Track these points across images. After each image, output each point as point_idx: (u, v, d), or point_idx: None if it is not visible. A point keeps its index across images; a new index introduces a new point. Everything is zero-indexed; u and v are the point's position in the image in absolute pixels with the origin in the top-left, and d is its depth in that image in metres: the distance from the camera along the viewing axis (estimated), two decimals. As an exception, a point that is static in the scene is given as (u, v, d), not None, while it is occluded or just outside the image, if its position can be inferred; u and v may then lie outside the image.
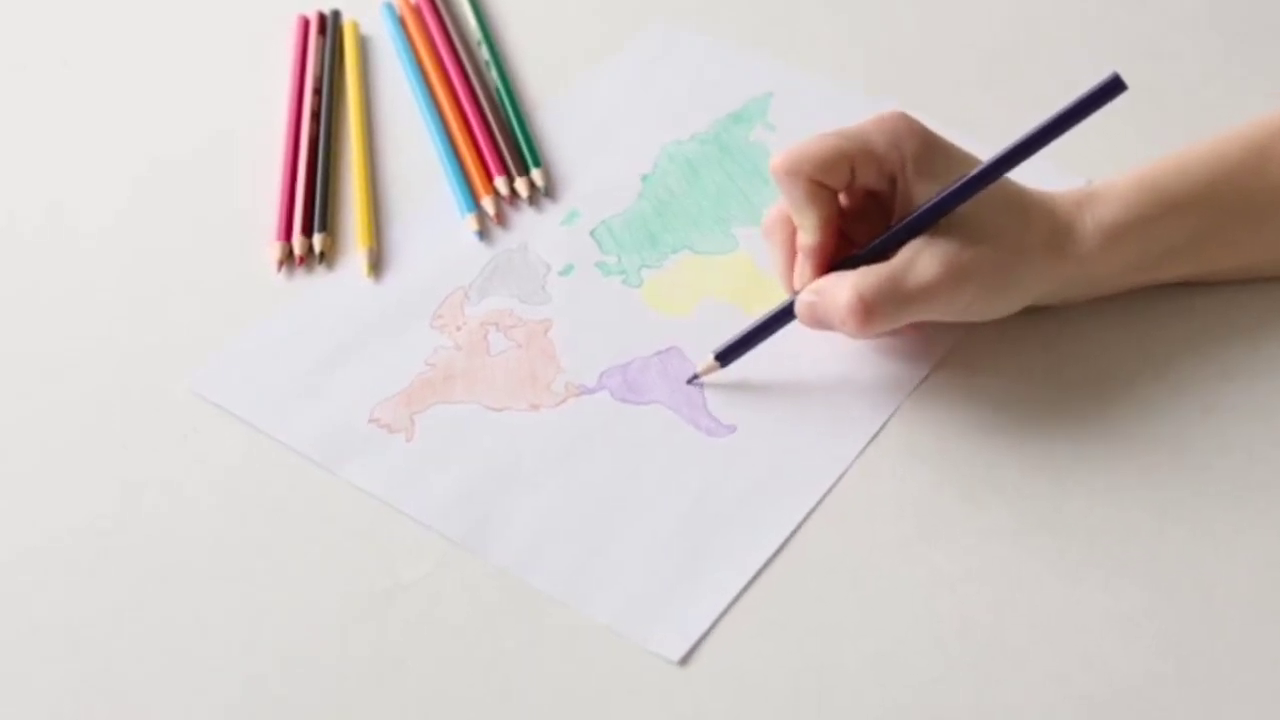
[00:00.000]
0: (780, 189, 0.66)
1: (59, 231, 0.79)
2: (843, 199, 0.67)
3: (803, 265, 0.66)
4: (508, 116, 0.83)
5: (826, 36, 0.87)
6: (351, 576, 0.63)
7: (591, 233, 0.77)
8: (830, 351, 0.69)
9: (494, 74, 0.85)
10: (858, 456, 0.66)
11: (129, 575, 0.63)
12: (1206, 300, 0.70)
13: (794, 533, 0.63)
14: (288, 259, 0.76)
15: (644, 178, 0.79)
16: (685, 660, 0.59)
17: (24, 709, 0.59)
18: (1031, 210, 0.65)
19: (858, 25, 0.88)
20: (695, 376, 0.69)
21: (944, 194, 0.64)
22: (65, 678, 0.60)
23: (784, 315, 0.68)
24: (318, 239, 0.76)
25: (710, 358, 0.68)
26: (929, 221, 0.64)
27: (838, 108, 0.81)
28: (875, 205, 0.67)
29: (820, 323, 0.66)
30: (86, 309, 0.74)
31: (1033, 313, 0.68)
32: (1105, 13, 0.87)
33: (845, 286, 0.64)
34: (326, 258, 0.76)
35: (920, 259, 0.64)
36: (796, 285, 0.67)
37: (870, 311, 0.63)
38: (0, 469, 0.68)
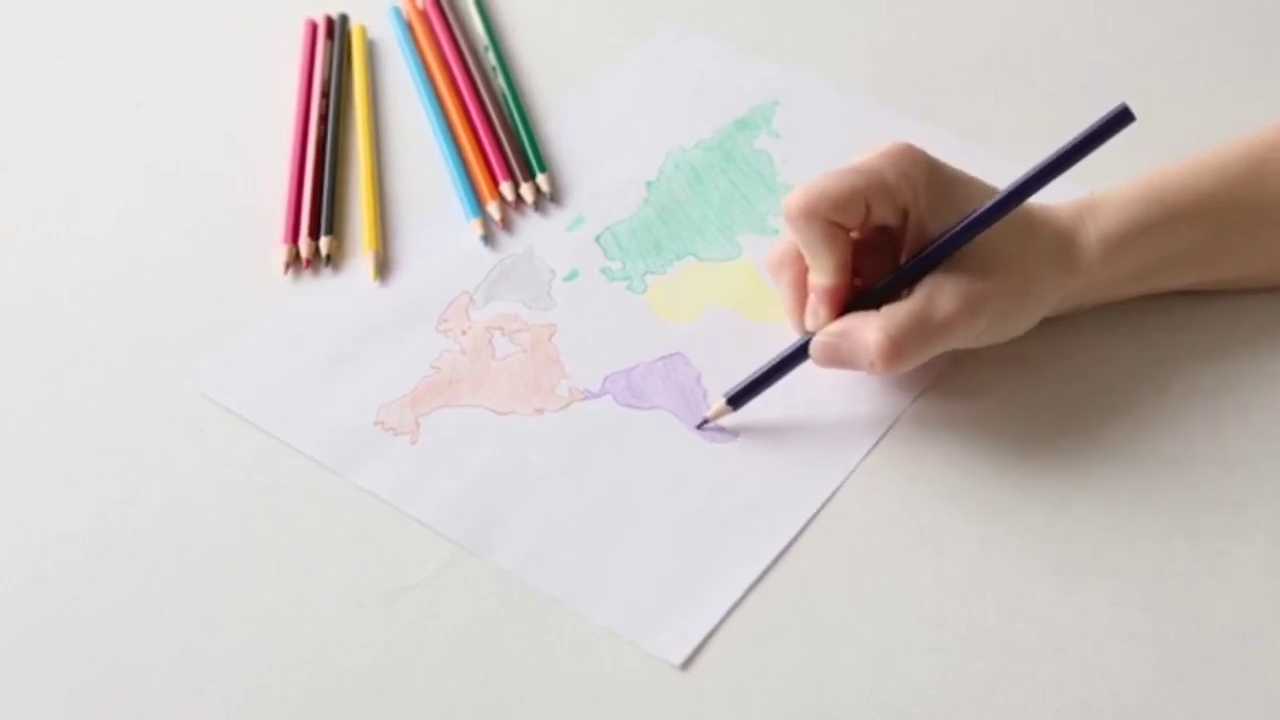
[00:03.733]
0: (794, 231, 0.65)
1: (67, 233, 0.79)
2: (853, 234, 0.66)
3: (817, 306, 0.65)
4: (514, 122, 0.83)
5: (832, 43, 0.87)
6: (356, 578, 0.63)
7: (597, 238, 0.77)
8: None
9: (500, 79, 0.86)
10: (859, 464, 0.66)
11: (133, 575, 0.63)
12: (1207, 310, 0.70)
13: (796, 538, 0.63)
14: (294, 262, 0.76)
15: (649, 184, 0.79)
16: (687, 664, 0.60)
17: (28, 708, 0.60)
18: (1036, 228, 0.66)
19: (863, 32, 0.88)
20: (705, 421, 0.67)
21: (955, 230, 0.63)
22: (69, 677, 0.60)
23: (797, 355, 0.66)
24: (324, 242, 0.77)
25: (722, 401, 0.67)
26: (943, 257, 0.64)
27: (844, 115, 0.82)
28: (884, 238, 0.66)
29: (841, 363, 0.65)
30: (93, 310, 0.75)
31: (1035, 323, 0.69)
32: (1113, 21, 0.87)
33: (872, 328, 0.63)
34: (333, 261, 0.77)
35: (941, 294, 0.63)
36: (810, 326, 0.66)
37: (901, 351, 0.63)
38: (6, 468, 0.68)
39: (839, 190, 0.63)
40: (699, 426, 0.68)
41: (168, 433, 0.69)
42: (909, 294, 0.64)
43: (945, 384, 0.68)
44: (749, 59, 0.86)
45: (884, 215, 0.65)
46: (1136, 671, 0.59)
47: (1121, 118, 0.62)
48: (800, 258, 0.66)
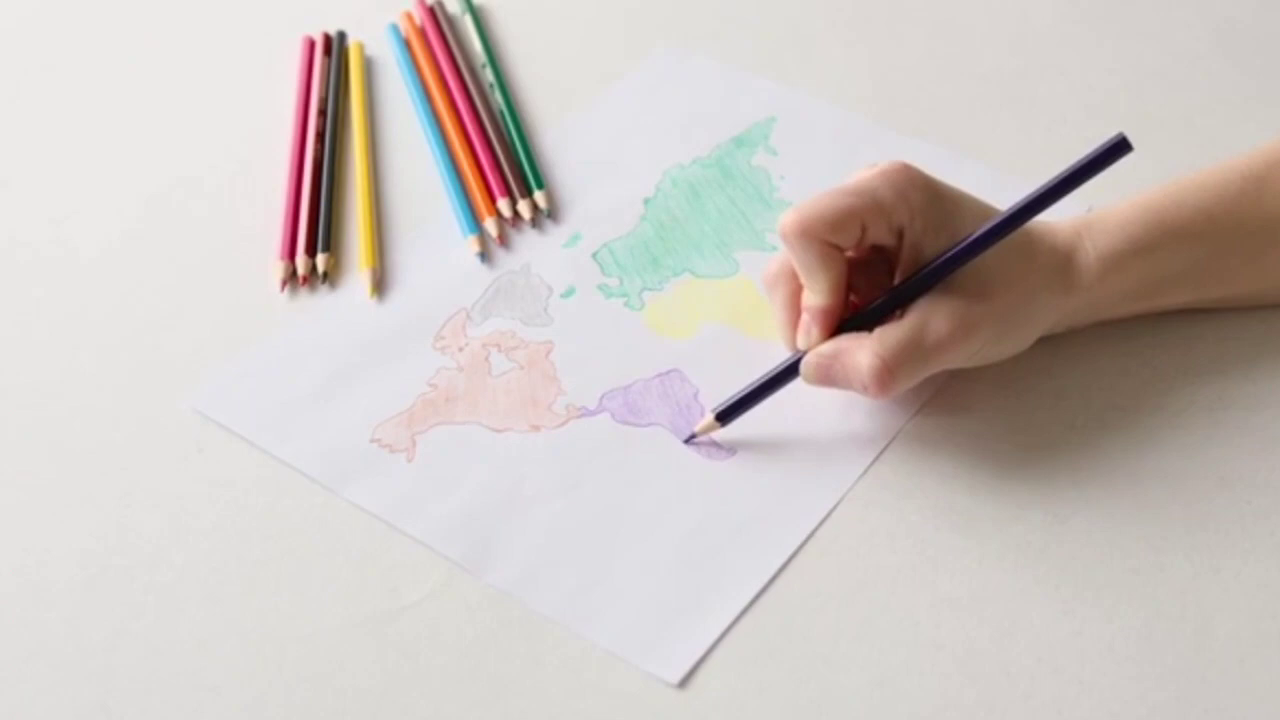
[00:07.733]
0: (789, 251, 0.65)
1: (64, 250, 0.79)
2: (849, 253, 0.66)
3: (810, 326, 0.65)
4: (511, 138, 0.83)
5: (830, 62, 0.87)
6: (352, 596, 0.63)
7: (594, 255, 0.77)
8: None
9: (498, 96, 0.86)
10: (856, 483, 0.66)
11: (130, 594, 0.63)
12: (1206, 328, 0.70)
13: (793, 557, 0.63)
14: (291, 278, 0.76)
15: (646, 201, 0.80)
16: (684, 683, 0.60)
17: (24, 726, 0.60)
18: (1034, 247, 0.65)
19: (861, 49, 0.88)
20: (693, 435, 0.67)
21: (951, 254, 0.63)
22: (64, 697, 0.60)
23: (787, 374, 0.66)
24: (321, 259, 0.77)
25: (710, 416, 0.67)
26: (938, 279, 0.64)
27: (841, 133, 0.82)
28: (880, 257, 0.66)
29: (832, 384, 0.65)
30: (90, 328, 0.75)
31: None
32: (1110, 39, 0.88)
33: (865, 351, 0.63)
34: (329, 278, 0.77)
35: (935, 317, 0.63)
36: (802, 345, 0.66)
37: (894, 375, 0.63)
38: (3, 488, 0.68)
39: (834, 210, 0.63)
40: (687, 441, 0.68)
41: (165, 451, 0.69)
42: (902, 315, 0.64)
43: (942, 402, 0.68)
44: (747, 77, 0.86)
45: (879, 235, 0.64)
46: (1134, 691, 0.58)
47: (1119, 147, 0.61)
48: (794, 275, 0.66)
